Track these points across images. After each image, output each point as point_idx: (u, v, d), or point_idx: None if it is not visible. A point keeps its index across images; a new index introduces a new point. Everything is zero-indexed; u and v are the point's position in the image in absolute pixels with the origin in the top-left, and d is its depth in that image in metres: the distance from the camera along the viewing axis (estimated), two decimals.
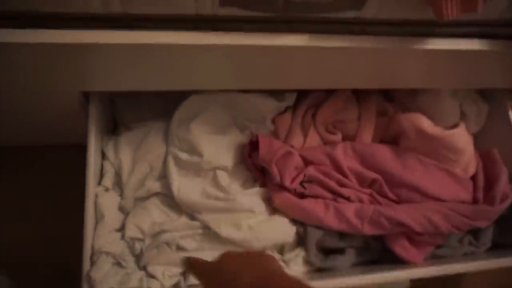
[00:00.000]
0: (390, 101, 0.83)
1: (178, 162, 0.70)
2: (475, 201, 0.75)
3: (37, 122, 0.79)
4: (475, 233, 0.78)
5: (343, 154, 0.74)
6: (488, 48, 0.62)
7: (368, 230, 0.70)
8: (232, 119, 0.75)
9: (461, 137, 0.72)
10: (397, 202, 0.74)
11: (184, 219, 0.68)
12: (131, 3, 0.49)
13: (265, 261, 0.42)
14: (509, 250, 0.77)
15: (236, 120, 0.76)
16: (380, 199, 0.74)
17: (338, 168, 0.73)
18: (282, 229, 0.70)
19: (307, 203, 0.70)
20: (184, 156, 0.69)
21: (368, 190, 0.74)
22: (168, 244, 0.67)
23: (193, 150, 0.69)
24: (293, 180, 0.70)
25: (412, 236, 0.72)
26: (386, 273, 0.65)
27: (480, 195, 0.75)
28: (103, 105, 0.71)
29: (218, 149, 0.70)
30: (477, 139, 0.88)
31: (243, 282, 0.37)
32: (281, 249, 0.72)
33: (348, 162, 0.74)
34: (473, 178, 0.77)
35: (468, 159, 0.75)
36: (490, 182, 0.75)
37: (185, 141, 0.70)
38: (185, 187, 0.68)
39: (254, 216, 0.69)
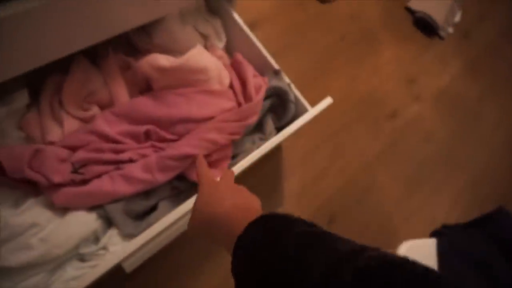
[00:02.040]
0: (138, 53, 0.83)
1: None
2: (239, 104, 0.82)
3: None
4: (259, 129, 0.89)
5: (106, 123, 0.73)
6: None
7: (161, 177, 0.72)
8: None
9: (198, 57, 0.76)
10: (179, 140, 0.78)
11: None
12: None
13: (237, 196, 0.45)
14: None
15: None
16: (162, 145, 0.76)
17: (107, 138, 0.72)
18: (80, 222, 0.67)
19: (91, 186, 0.69)
20: None
21: (147, 143, 0.76)
22: None
23: None
24: (64, 173, 0.67)
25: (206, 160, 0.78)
26: (188, 201, 0.69)
27: (241, 97, 0.83)
28: None
29: None
30: (229, 50, 0.96)
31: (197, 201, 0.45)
32: (97, 239, 0.71)
33: (116, 128, 0.74)
34: (231, 86, 0.84)
35: (217, 73, 0.81)
36: (245, 82, 0.84)
37: None
38: None
39: (42, 228, 0.65)
